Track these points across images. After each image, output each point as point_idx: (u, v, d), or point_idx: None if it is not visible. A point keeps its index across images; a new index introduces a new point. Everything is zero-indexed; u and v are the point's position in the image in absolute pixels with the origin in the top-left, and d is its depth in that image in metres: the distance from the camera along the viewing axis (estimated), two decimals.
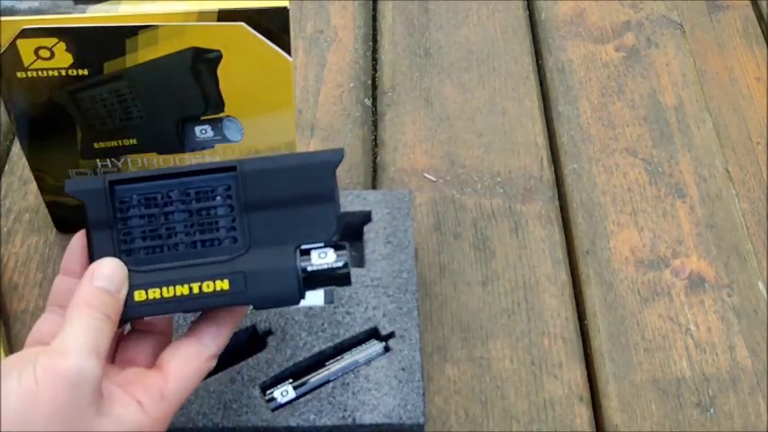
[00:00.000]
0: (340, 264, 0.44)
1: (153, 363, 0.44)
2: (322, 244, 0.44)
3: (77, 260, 0.45)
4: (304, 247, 0.44)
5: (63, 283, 0.45)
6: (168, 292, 0.43)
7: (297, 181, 0.44)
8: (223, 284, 0.43)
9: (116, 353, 0.45)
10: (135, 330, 0.46)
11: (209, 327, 0.45)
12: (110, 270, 0.43)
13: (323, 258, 0.44)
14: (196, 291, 0.43)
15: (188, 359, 0.43)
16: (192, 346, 0.44)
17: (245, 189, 0.44)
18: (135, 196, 0.44)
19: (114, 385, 0.42)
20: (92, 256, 0.44)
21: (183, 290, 0.43)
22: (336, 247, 0.44)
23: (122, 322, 0.43)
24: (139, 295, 0.43)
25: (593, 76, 0.77)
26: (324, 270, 0.44)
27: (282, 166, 0.45)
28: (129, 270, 0.43)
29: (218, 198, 0.45)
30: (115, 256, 0.44)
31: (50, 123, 0.55)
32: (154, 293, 0.43)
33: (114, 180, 0.44)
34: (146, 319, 0.45)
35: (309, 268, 0.44)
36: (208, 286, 0.43)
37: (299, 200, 0.44)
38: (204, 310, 0.45)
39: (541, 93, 0.77)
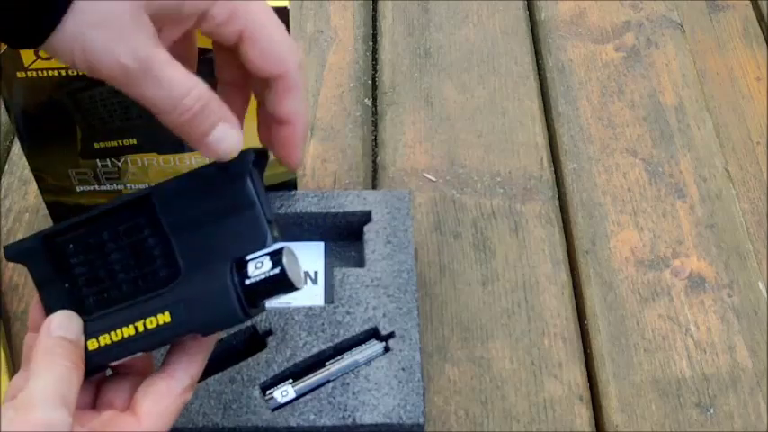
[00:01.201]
0: (276, 271, 0.40)
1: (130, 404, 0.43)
2: (261, 253, 0.41)
3: (41, 316, 0.44)
4: (248, 258, 0.41)
5: (32, 340, 0.44)
6: (117, 335, 0.42)
7: (212, 194, 0.42)
8: (165, 317, 0.41)
9: (96, 397, 0.44)
10: (114, 374, 0.45)
11: (179, 359, 0.43)
12: (63, 319, 0.42)
13: (259, 268, 0.40)
14: (141, 329, 0.41)
15: (159, 398, 0.42)
16: (163, 383, 0.42)
17: (165, 214, 0.42)
18: (71, 246, 0.44)
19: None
20: (48, 313, 0.43)
21: (129, 330, 0.42)
22: (273, 254, 0.40)
23: (86, 375, 0.42)
24: (92, 344, 0.42)
25: (593, 76, 0.77)
26: (263, 280, 0.40)
27: (194, 183, 0.42)
28: (82, 320, 0.43)
29: (145, 230, 0.43)
30: (67, 308, 0.43)
31: (50, 123, 0.55)
32: (105, 340, 0.42)
33: (48, 235, 0.44)
34: (111, 364, 0.44)
35: (248, 281, 0.40)
36: (151, 322, 0.41)
37: (221, 213, 0.41)
38: (156, 346, 0.43)
39: (541, 93, 0.77)
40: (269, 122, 0.43)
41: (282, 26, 0.41)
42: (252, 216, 0.41)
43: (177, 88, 0.38)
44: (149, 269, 0.43)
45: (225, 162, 0.41)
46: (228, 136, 0.40)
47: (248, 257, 0.41)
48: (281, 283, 0.40)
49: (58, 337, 0.41)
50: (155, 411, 0.41)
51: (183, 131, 0.39)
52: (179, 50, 0.41)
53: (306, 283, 0.62)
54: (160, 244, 0.42)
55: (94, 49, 0.36)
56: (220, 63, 0.44)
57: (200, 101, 0.38)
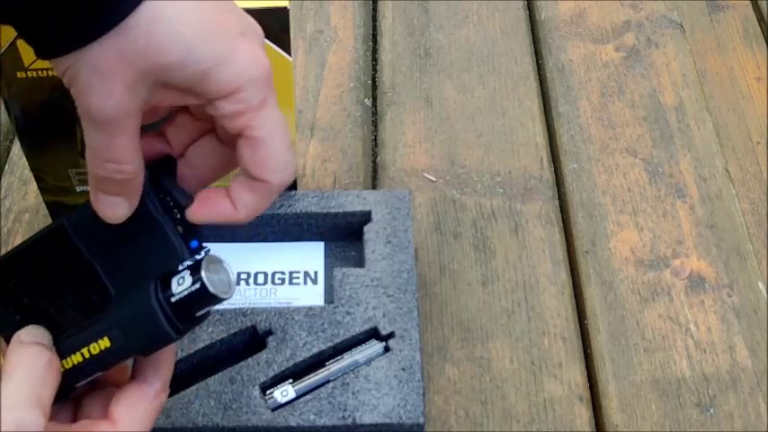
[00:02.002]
0: (197, 285, 0.39)
1: (107, 414, 0.43)
2: (183, 267, 0.40)
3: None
4: (172, 274, 0.40)
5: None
6: (67, 363, 0.42)
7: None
8: (105, 342, 0.41)
9: (76, 413, 0.44)
10: (90, 388, 0.45)
11: (146, 365, 0.43)
12: (32, 330, 0.42)
13: (182, 284, 0.39)
14: (87, 355, 0.41)
15: (133, 402, 0.42)
16: (135, 389, 0.42)
17: (82, 241, 0.42)
18: (12, 280, 0.43)
19: None
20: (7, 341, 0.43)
21: (77, 358, 0.41)
22: (193, 267, 0.39)
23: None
24: None
25: (593, 76, 0.77)
26: (187, 296, 0.39)
27: None
28: None
29: (70, 259, 0.42)
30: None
31: (50, 123, 0.55)
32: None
33: None
34: (75, 385, 0.43)
35: (173, 299, 0.39)
36: (94, 348, 0.41)
37: (134, 233, 0.41)
38: (107, 368, 0.43)
39: (541, 93, 0.77)
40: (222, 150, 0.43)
41: (288, 139, 0.40)
42: (161, 234, 0.40)
43: (114, 155, 0.38)
44: (84, 296, 0.42)
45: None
46: (118, 209, 0.40)
47: (173, 273, 0.40)
48: (205, 297, 0.39)
49: (30, 343, 0.41)
50: (130, 416, 0.41)
51: (90, 173, 0.40)
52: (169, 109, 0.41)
53: (306, 282, 0.62)
54: (87, 271, 0.42)
55: (78, 84, 0.36)
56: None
57: (123, 174, 0.38)
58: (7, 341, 0.43)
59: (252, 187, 0.40)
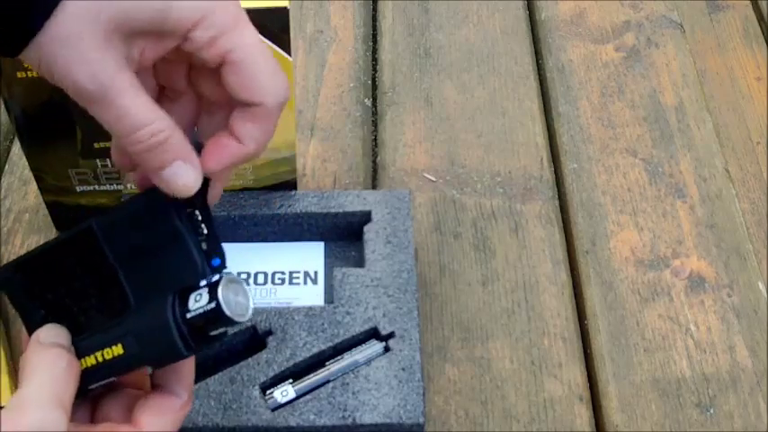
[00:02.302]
0: (213, 305, 0.38)
1: (128, 418, 0.43)
2: (203, 284, 0.39)
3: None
4: (191, 291, 0.39)
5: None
6: (84, 363, 0.41)
7: (148, 225, 0.41)
8: (118, 349, 0.41)
9: (93, 413, 0.44)
10: (109, 389, 0.45)
11: (168, 371, 0.43)
12: (51, 329, 0.42)
13: (198, 302, 0.39)
14: (101, 359, 0.41)
15: (161, 411, 0.42)
16: (162, 398, 0.42)
17: (108, 245, 0.41)
18: (39, 274, 0.43)
19: None
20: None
21: (91, 360, 0.41)
22: (212, 286, 0.39)
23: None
24: None
25: (593, 76, 0.77)
26: (202, 314, 0.39)
27: (132, 212, 0.42)
28: None
29: (97, 261, 0.42)
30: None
31: (50, 123, 0.55)
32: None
33: (19, 264, 0.44)
34: (90, 387, 0.43)
35: (188, 315, 0.39)
36: (108, 353, 0.41)
37: (159, 244, 0.40)
38: (120, 374, 0.42)
39: (541, 93, 0.77)
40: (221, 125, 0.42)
41: (272, 60, 0.39)
42: (184, 247, 0.40)
43: (132, 120, 0.37)
44: (106, 299, 0.42)
45: (155, 191, 0.40)
46: (183, 175, 0.39)
47: (192, 289, 0.39)
48: (219, 318, 0.39)
49: (49, 344, 0.41)
50: (156, 424, 0.41)
51: (137, 159, 0.39)
52: (165, 70, 0.40)
53: (306, 282, 0.62)
54: (110, 275, 0.42)
55: (56, 67, 0.35)
56: (198, 77, 0.42)
57: (156, 136, 0.37)
58: (31, 334, 0.43)
59: (250, 116, 0.39)
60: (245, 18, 0.39)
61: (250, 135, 0.40)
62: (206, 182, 0.41)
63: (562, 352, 0.60)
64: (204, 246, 0.40)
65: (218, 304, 0.38)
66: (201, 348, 0.40)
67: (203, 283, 0.39)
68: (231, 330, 0.55)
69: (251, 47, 0.38)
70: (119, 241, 0.41)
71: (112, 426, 0.42)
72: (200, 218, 0.41)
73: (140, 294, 0.41)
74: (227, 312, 0.38)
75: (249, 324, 0.56)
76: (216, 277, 0.39)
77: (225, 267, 0.41)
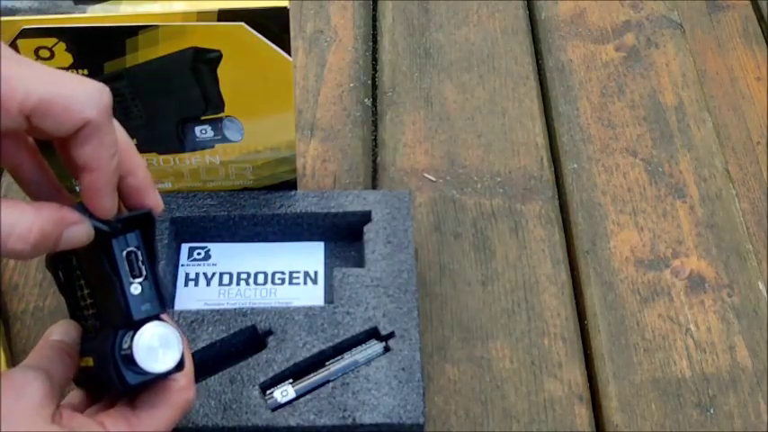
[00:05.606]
0: (128, 352, 0.40)
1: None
2: (135, 323, 0.40)
3: None
4: (127, 333, 0.40)
5: None
6: (83, 362, 0.43)
7: (96, 257, 0.41)
8: (88, 361, 0.42)
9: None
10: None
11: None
12: (63, 325, 0.44)
13: (126, 342, 0.40)
14: (83, 365, 0.43)
15: (156, 390, 0.42)
16: (160, 381, 0.43)
17: (80, 268, 0.43)
18: (72, 262, 0.44)
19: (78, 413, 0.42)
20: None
21: (81, 363, 0.43)
22: (135, 331, 0.40)
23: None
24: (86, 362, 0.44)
25: (593, 76, 0.77)
26: (125, 356, 0.40)
27: (92, 242, 0.41)
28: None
29: (104, 266, 0.41)
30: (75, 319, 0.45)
31: None
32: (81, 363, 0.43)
33: (54, 255, 0.44)
34: None
35: (122, 352, 0.40)
36: (86, 362, 0.42)
37: (107, 277, 0.41)
38: (94, 384, 0.44)
39: (541, 93, 0.77)
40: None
41: (70, 76, 0.38)
42: (118, 289, 0.40)
43: (5, 228, 0.37)
44: (90, 312, 0.43)
45: (99, 227, 0.40)
46: (74, 235, 0.39)
47: (133, 327, 0.40)
48: (134, 363, 0.40)
49: (54, 340, 0.43)
50: (152, 402, 0.42)
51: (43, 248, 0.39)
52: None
53: (306, 282, 0.62)
54: (84, 293, 0.43)
55: None
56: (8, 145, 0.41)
57: (33, 232, 0.38)
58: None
59: (82, 139, 0.39)
60: (7, 53, 0.36)
61: (97, 155, 0.39)
62: (152, 219, 0.41)
63: (562, 352, 0.60)
64: (138, 289, 0.41)
65: (131, 352, 0.39)
66: (143, 385, 0.41)
67: (136, 321, 0.40)
68: (230, 332, 0.55)
69: (46, 81, 0.37)
70: (84, 266, 0.43)
71: (106, 406, 0.43)
72: (140, 259, 0.41)
73: (102, 318, 0.42)
74: (138, 362, 0.39)
75: (249, 325, 0.56)
76: (146, 319, 0.40)
77: (164, 310, 0.41)
